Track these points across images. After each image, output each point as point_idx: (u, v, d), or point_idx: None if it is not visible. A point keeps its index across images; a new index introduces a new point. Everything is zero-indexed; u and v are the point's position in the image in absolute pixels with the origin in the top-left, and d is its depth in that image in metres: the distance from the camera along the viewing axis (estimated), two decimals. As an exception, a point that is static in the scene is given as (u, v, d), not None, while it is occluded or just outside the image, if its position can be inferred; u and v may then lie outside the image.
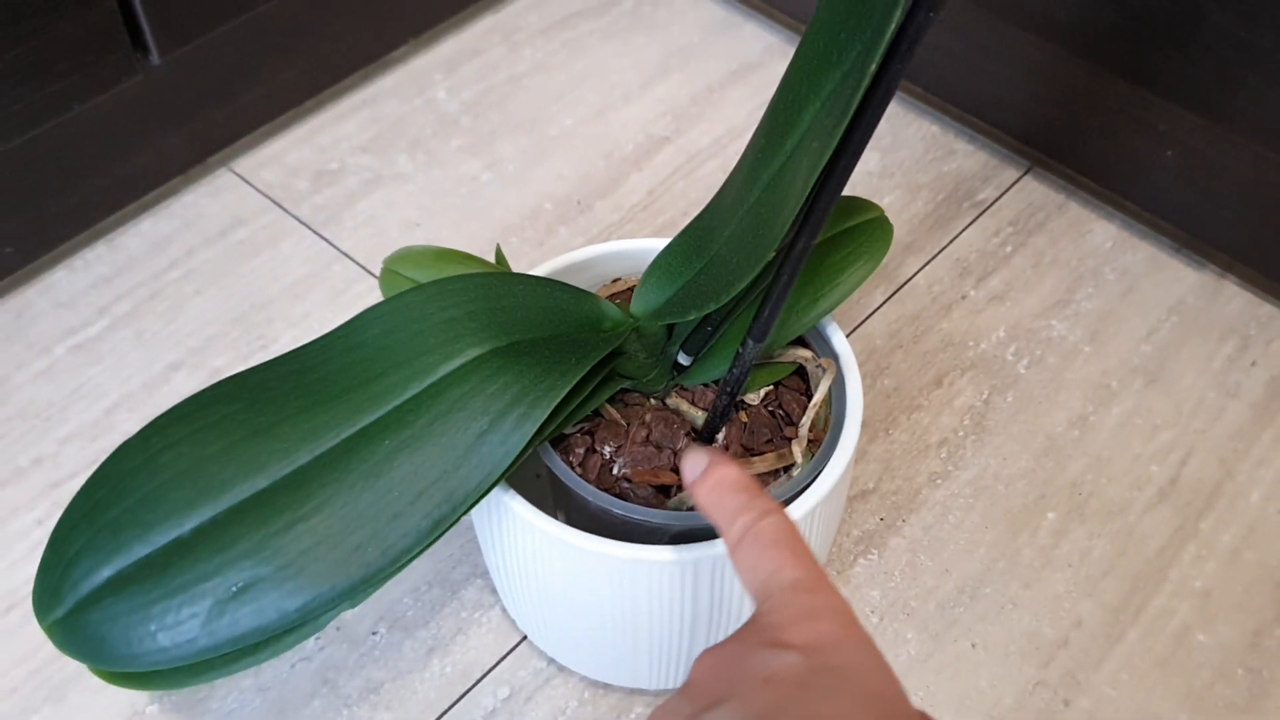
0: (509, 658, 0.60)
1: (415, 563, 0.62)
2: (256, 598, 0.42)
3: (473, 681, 0.59)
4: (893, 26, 0.34)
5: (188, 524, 0.43)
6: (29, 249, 0.73)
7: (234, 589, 0.42)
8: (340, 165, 0.81)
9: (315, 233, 0.77)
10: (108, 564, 0.43)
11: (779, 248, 0.41)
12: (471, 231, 0.78)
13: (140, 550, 0.43)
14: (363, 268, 0.76)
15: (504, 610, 0.61)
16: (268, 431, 0.44)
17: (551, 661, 0.59)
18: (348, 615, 0.61)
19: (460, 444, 0.43)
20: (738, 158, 0.82)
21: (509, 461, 0.43)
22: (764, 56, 0.89)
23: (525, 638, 0.60)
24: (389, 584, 0.62)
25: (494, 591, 0.62)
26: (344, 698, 0.58)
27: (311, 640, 0.60)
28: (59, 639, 0.44)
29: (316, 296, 0.74)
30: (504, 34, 0.90)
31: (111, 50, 0.66)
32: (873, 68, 0.34)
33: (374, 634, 0.60)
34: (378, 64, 0.87)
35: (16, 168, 0.68)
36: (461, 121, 0.84)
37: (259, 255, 0.76)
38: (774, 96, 0.44)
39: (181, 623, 0.42)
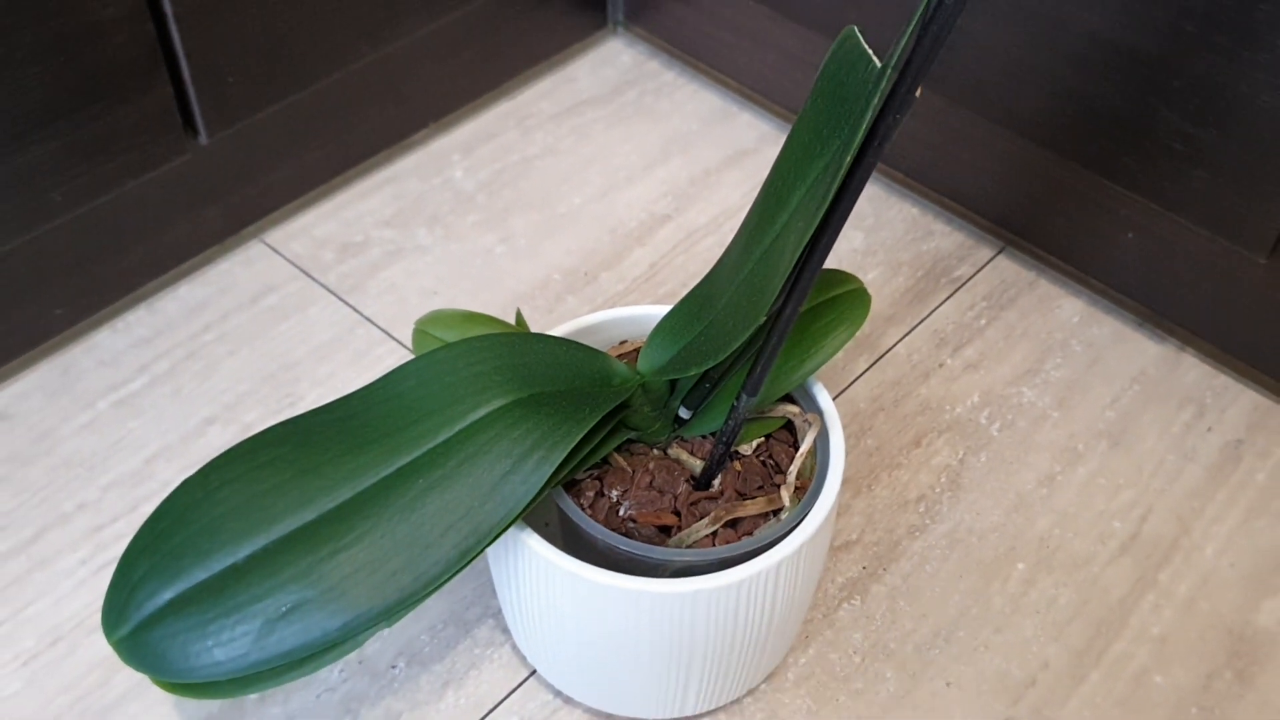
0: (518, 691, 0.64)
1: (431, 602, 0.67)
2: (303, 617, 0.47)
3: (485, 712, 0.64)
4: (865, 125, 0.40)
5: (242, 552, 0.48)
6: (76, 311, 0.79)
7: (283, 609, 0.47)
8: (364, 238, 0.88)
9: (340, 299, 0.83)
10: (169, 587, 0.48)
11: (769, 313, 0.47)
12: (486, 299, 0.84)
13: (199, 575, 0.48)
14: (385, 332, 0.82)
15: (514, 648, 0.66)
16: (314, 471, 0.49)
17: (558, 694, 0.64)
18: (369, 649, 0.66)
19: (486, 483, 0.49)
20: (733, 235, 0.88)
21: (529, 499, 0.48)
22: (757, 143, 0.96)
23: (534, 672, 0.65)
24: (407, 621, 0.67)
25: (504, 630, 0.67)
26: (366, 726, 0.63)
27: (335, 672, 0.65)
28: (124, 653, 0.48)
29: (340, 358, 0.80)
30: (517, 119, 0.97)
31: (166, 132, 0.73)
32: (849, 159, 0.40)
33: (393, 668, 0.65)
34: (399, 145, 0.93)
35: (72, 236, 0.74)
36: (477, 199, 0.91)
37: (288, 320, 0.82)
38: (766, 180, 0.50)
39: (235, 639, 0.47)
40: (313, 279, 0.85)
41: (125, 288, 0.81)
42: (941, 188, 0.89)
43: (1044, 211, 0.83)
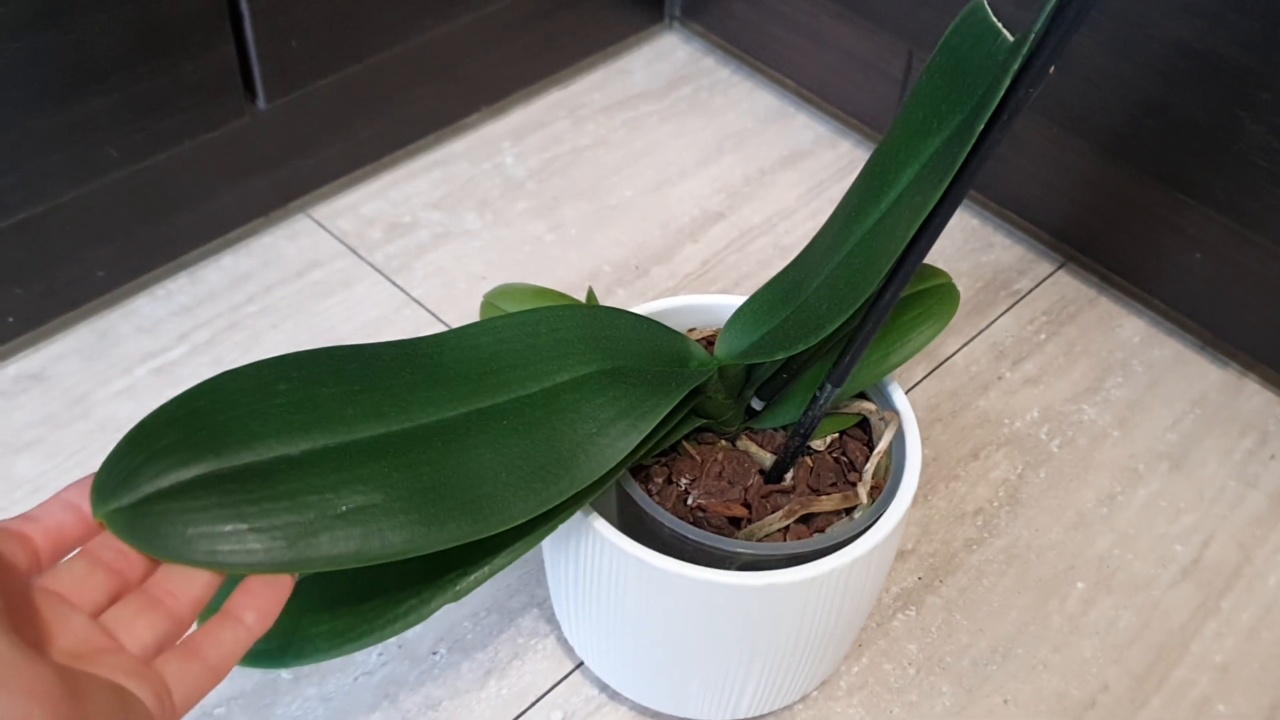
0: (563, 684, 0.62)
1: (475, 590, 0.65)
2: (364, 521, 0.41)
3: (528, 704, 0.61)
4: (998, 97, 0.39)
5: (300, 446, 0.42)
6: (118, 275, 0.77)
7: (343, 508, 0.41)
8: (413, 219, 0.86)
9: (387, 279, 0.82)
10: (202, 462, 0.41)
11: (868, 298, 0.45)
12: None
13: (245, 457, 0.41)
14: (432, 314, 0.80)
15: (559, 639, 0.64)
16: (387, 389, 0.45)
17: (604, 689, 0.62)
18: (410, 634, 0.64)
19: (571, 440, 0.46)
20: (787, 236, 0.87)
21: (613, 463, 0.46)
22: (814, 145, 0.94)
23: (579, 665, 0.63)
24: (449, 608, 0.65)
25: (549, 621, 0.64)
26: (404, 712, 0.61)
27: (374, 656, 0.63)
28: (121, 525, 0.39)
29: (386, 336, 0.78)
30: (569, 109, 0.95)
31: (226, 93, 0.71)
32: (979, 130, 0.39)
33: (434, 654, 0.63)
34: (451, 128, 0.92)
35: (120, 195, 0.73)
36: (527, 186, 0.89)
37: (333, 296, 0.80)
38: (867, 164, 0.48)
39: (278, 529, 0.40)
40: (360, 257, 0.83)
41: (168, 254, 0.79)
42: (1003, 199, 0.87)
43: (1109, 228, 0.81)
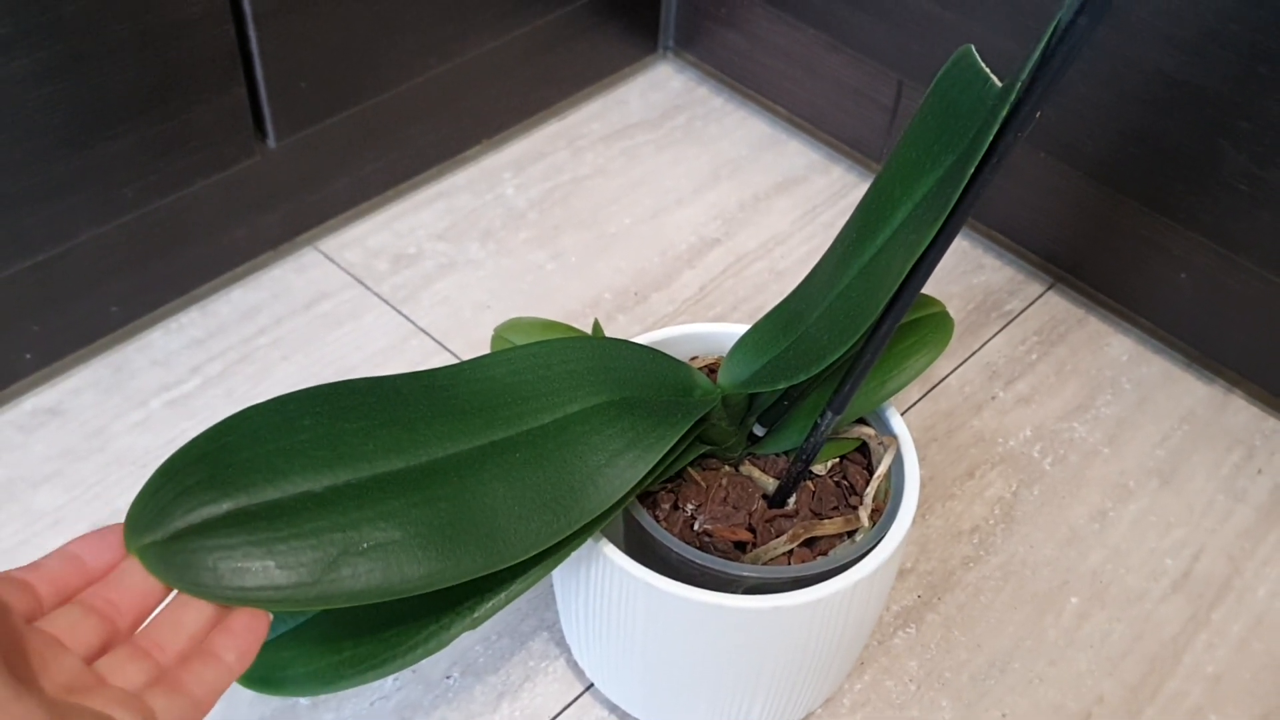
0: (574, 705, 0.64)
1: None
2: (384, 556, 0.43)
3: (540, 725, 0.63)
4: (987, 141, 0.41)
5: (323, 482, 0.44)
6: (131, 309, 0.79)
7: (365, 545, 0.44)
8: (418, 250, 0.88)
9: (394, 309, 0.83)
10: (230, 498, 0.43)
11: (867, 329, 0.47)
12: (539, 315, 0.83)
13: (271, 494, 0.43)
14: (438, 343, 0.82)
15: (569, 661, 0.65)
16: (406, 424, 0.47)
17: (614, 710, 0.63)
18: (423, 660, 0.65)
19: (582, 471, 0.48)
20: (782, 260, 0.89)
21: (623, 493, 0.48)
22: (807, 171, 0.96)
23: (590, 687, 0.64)
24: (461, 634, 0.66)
25: (559, 643, 0.66)
26: (420, 735, 0.62)
27: (389, 681, 0.65)
28: (154, 559, 0.41)
29: (395, 365, 0.80)
30: (568, 140, 0.98)
31: (237, 133, 0.73)
32: (969, 173, 0.41)
33: (448, 678, 0.65)
34: (453, 161, 0.94)
35: (135, 233, 0.74)
36: (529, 216, 0.91)
37: (342, 326, 0.82)
38: (863, 200, 0.50)
39: (303, 564, 0.42)
40: (367, 288, 0.85)
41: (180, 289, 0.81)
42: (992, 222, 0.89)
43: (1096, 249, 0.84)
